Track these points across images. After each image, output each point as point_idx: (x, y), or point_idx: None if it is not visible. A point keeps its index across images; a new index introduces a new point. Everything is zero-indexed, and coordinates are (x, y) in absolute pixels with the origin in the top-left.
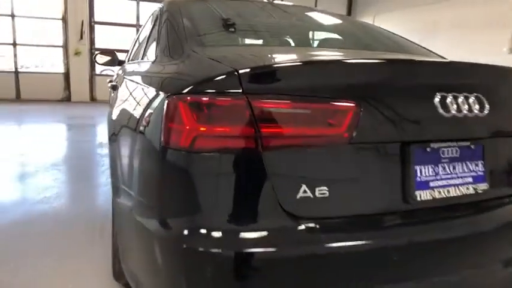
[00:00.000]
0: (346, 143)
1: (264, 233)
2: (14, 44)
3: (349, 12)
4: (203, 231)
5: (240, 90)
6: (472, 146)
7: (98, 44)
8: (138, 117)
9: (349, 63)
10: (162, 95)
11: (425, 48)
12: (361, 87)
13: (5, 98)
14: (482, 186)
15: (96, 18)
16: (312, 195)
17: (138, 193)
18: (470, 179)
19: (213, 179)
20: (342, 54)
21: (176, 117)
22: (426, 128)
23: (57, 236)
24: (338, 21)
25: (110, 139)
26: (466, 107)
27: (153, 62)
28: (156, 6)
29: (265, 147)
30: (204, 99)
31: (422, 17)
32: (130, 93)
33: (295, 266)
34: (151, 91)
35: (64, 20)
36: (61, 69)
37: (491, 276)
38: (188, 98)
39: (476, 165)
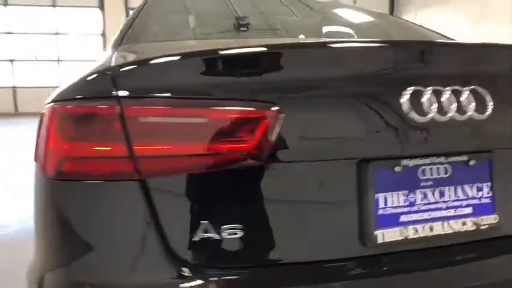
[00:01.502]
0: (261, 162)
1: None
2: (58, 61)
3: (391, 8)
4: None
5: (113, 95)
6: (472, 162)
7: None
8: None
9: (267, 51)
10: None
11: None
12: (283, 84)
13: None
14: (490, 220)
15: None
16: (217, 236)
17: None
18: (469, 210)
19: (72, 218)
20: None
21: (41, 133)
22: (394, 139)
23: None
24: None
25: None
26: (457, 106)
27: None
28: None
29: (144, 173)
30: (68, 107)
31: (467, 8)
32: None
33: None
34: None
35: (103, 35)
36: None
37: None
38: (53, 107)
39: (480, 189)
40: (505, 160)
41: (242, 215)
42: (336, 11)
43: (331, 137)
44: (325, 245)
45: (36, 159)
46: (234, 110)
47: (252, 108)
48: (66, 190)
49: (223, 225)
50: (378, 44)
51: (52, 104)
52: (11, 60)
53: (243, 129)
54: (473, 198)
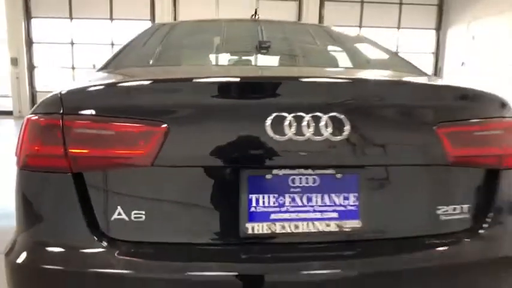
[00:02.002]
0: (151, 165)
1: (79, 252)
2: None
3: (439, 21)
4: (26, 249)
5: (60, 111)
6: (339, 176)
7: None
8: None
9: (160, 81)
10: None
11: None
12: (174, 107)
13: None
14: (353, 224)
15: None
16: (127, 218)
17: None
18: (335, 214)
19: (30, 198)
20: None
21: (19, 139)
22: (263, 153)
23: None
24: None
25: None
26: (326, 128)
27: None
28: None
29: (77, 167)
30: (33, 119)
31: None
32: None
33: (101, 282)
34: None
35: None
36: None
37: None
38: (26, 119)
39: (347, 198)
40: (372, 175)
41: (145, 205)
42: (352, 44)
43: (213, 149)
44: (210, 231)
45: (15, 154)
46: (134, 126)
47: (145, 125)
48: (27, 178)
49: (131, 210)
50: (255, 81)
51: (27, 116)
52: (73, 68)
53: (140, 140)
54: (340, 205)
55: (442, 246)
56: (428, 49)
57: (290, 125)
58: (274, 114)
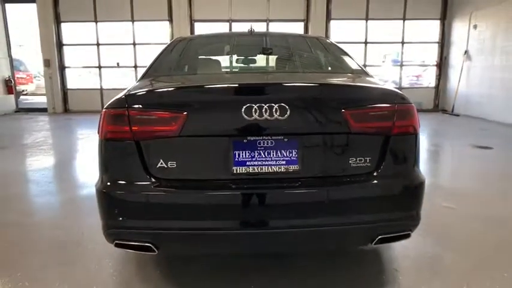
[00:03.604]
0: (179, 135)
1: (139, 184)
2: (135, 67)
3: (444, 10)
4: (108, 183)
5: (126, 106)
6: (286, 139)
7: None
8: None
9: (181, 87)
10: None
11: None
12: (190, 102)
13: None
14: (294, 168)
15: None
16: (165, 166)
17: None
18: (283, 162)
19: (109, 156)
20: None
21: (100, 122)
22: (243, 127)
23: None
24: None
25: None
26: (276, 112)
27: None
28: None
29: (137, 138)
30: (108, 111)
31: None
32: None
33: (151, 201)
34: None
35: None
36: None
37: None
38: (104, 111)
39: (290, 153)
40: (306, 139)
41: (176, 158)
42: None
43: (214, 126)
44: (212, 173)
45: (98, 132)
46: (167, 113)
47: (174, 113)
48: (107, 145)
49: (167, 161)
50: (236, 86)
51: (104, 109)
52: (99, 67)
53: (171, 121)
54: (287, 157)
55: (352, 182)
56: (434, 39)
57: (255, 110)
58: (247, 105)
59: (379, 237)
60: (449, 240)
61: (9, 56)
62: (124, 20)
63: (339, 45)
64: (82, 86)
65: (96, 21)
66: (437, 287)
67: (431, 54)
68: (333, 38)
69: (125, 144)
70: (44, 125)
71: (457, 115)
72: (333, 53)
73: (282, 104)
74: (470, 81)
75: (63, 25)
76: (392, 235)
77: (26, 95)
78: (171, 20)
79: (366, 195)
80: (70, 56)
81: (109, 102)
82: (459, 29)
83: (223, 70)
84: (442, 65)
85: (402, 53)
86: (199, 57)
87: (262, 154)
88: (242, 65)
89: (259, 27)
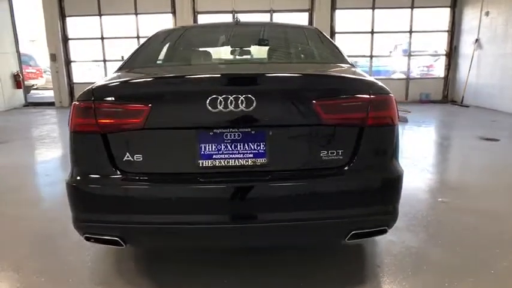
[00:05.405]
0: (143, 128)
1: (105, 178)
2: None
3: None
4: (78, 176)
5: (92, 98)
6: (253, 132)
7: None
8: None
9: (146, 80)
10: None
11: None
12: (154, 94)
13: None
14: (262, 161)
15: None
16: (132, 159)
17: None
18: (251, 155)
19: (78, 149)
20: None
21: (69, 115)
22: (208, 120)
23: None
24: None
25: None
26: (241, 104)
27: None
28: None
29: (103, 131)
30: (76, 104)
31: None
32: None
33: (118, 195)
34: None
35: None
36: None
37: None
38: (73, 104)
39: (258, 145)
40: (274, 132)
41: (142, 151)
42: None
43: (178, 118)
44: (180, 165)
45: (68, 124)
46: (133, 106)
47: (139, 105)
48: (76, 137)
49: (133, 154)
50: (199, 76)
51: (74, 102)
52: (104, 61)
53: (136, 114)
54: (254, 150)
55: (323, 176)
56: (443, 27)
57: (220, 102)
58: (212, 96)
59: (352, 232)
60: (441, 235)
61: (17, 51)
62: (128, 13)
63: (325, 34)
64: (88, 80)
65: (100, 15)
66: (419, 284)
67: (442, 43)
68: (339, 28)
69: (92, 137)
70: (49, 119)
71: (467, 106)
72: (315, 44)
73: (248, 95)
74: (480, 71)
75: (68, 19)
76: (366, 230)
77: (36, 89)
78: (174, 13)
79: (338, 189)
80: (75, 50)
81: (79, 95)
82: (470, 16)
83: (203, 62)
84: (452, 54)
85: (410, 42)
86: (180, 48)
87: (229, 147)
88: (223, 56)
89: (263, 18)
